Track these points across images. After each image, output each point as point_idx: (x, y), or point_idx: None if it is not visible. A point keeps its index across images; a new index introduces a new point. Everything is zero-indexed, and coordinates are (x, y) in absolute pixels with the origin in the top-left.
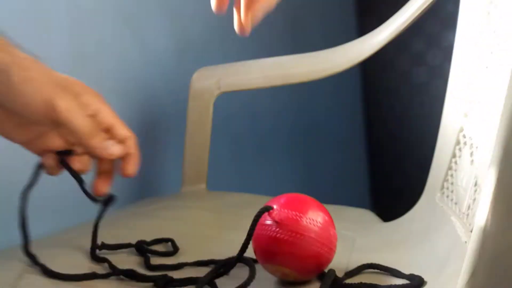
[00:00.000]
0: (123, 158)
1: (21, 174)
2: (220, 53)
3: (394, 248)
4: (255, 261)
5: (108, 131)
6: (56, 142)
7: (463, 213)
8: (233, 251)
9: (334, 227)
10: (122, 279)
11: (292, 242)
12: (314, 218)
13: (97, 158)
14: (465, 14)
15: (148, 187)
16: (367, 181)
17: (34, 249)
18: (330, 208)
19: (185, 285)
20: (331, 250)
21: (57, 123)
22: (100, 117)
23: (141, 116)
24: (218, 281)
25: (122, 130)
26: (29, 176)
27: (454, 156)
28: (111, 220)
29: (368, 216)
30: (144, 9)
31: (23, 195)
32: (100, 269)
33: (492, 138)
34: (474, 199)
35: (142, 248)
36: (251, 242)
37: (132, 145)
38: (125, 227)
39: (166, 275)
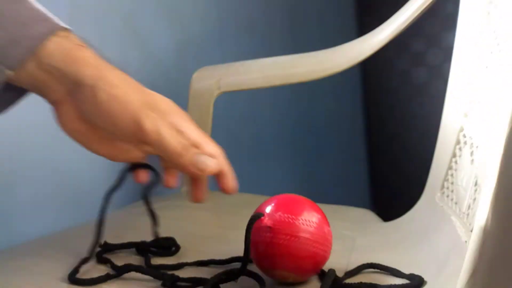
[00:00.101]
0: (217, 175)
1: (21, 175)
2: (220, 53)
3: (394, 248)
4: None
5: (197, 149)
6: (140, 154)
7: (463, 213)
8: (233, 251)
9: (328, 225)
10: (125, 278)
11: (288, 245)
12: (307, 218)
13: (188, 174)
14: (465, 14)
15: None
16: (367, 181)
17: (34, 249)
18: (330, 208)
19: (193, 286)
20: (327, 248)
21: (143, 142)
22: (187, 135)
23: None
24: (223, 286)
25: (211, 147)
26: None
27: (454, 155)
28: (111, 220)
29: (368, 216)
30: (144, 9)
31: (106, 196)
32: (104, 269)
33: (492, 138)
34: (474, 199)
35: (142, 248)
36: None
37: (223, 162)
38: (125, 227)
39: (173, 274)
